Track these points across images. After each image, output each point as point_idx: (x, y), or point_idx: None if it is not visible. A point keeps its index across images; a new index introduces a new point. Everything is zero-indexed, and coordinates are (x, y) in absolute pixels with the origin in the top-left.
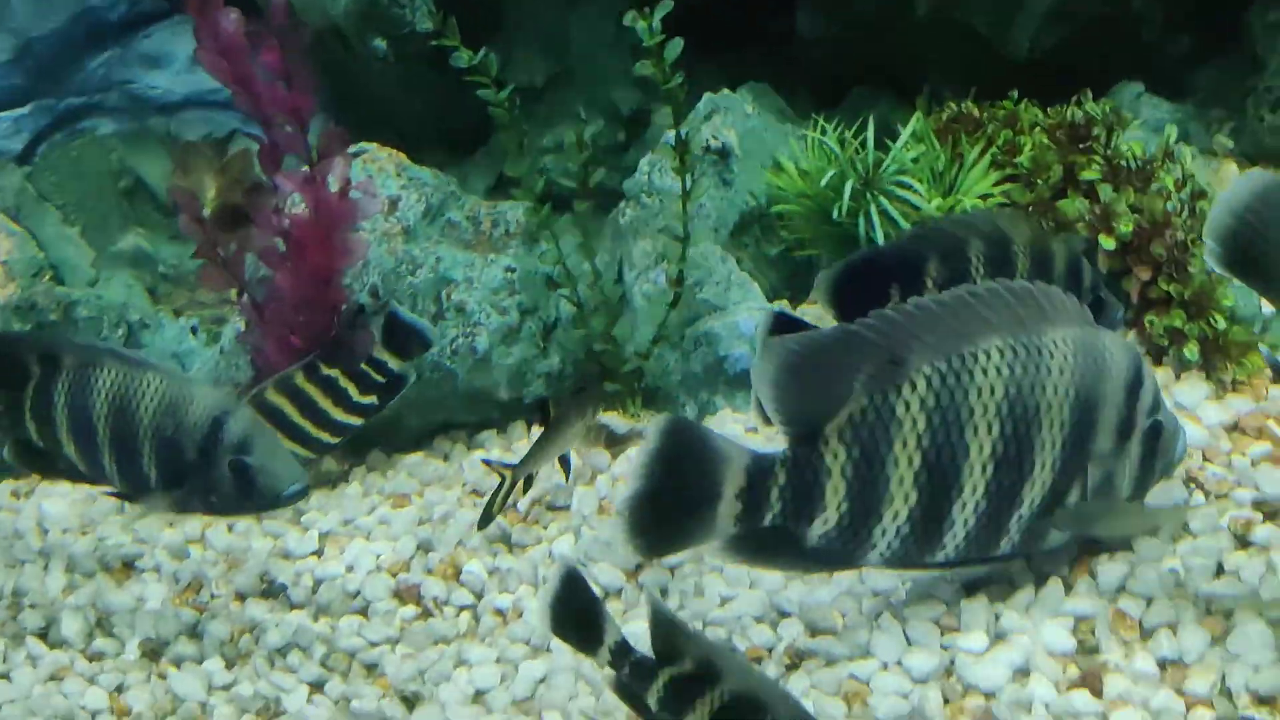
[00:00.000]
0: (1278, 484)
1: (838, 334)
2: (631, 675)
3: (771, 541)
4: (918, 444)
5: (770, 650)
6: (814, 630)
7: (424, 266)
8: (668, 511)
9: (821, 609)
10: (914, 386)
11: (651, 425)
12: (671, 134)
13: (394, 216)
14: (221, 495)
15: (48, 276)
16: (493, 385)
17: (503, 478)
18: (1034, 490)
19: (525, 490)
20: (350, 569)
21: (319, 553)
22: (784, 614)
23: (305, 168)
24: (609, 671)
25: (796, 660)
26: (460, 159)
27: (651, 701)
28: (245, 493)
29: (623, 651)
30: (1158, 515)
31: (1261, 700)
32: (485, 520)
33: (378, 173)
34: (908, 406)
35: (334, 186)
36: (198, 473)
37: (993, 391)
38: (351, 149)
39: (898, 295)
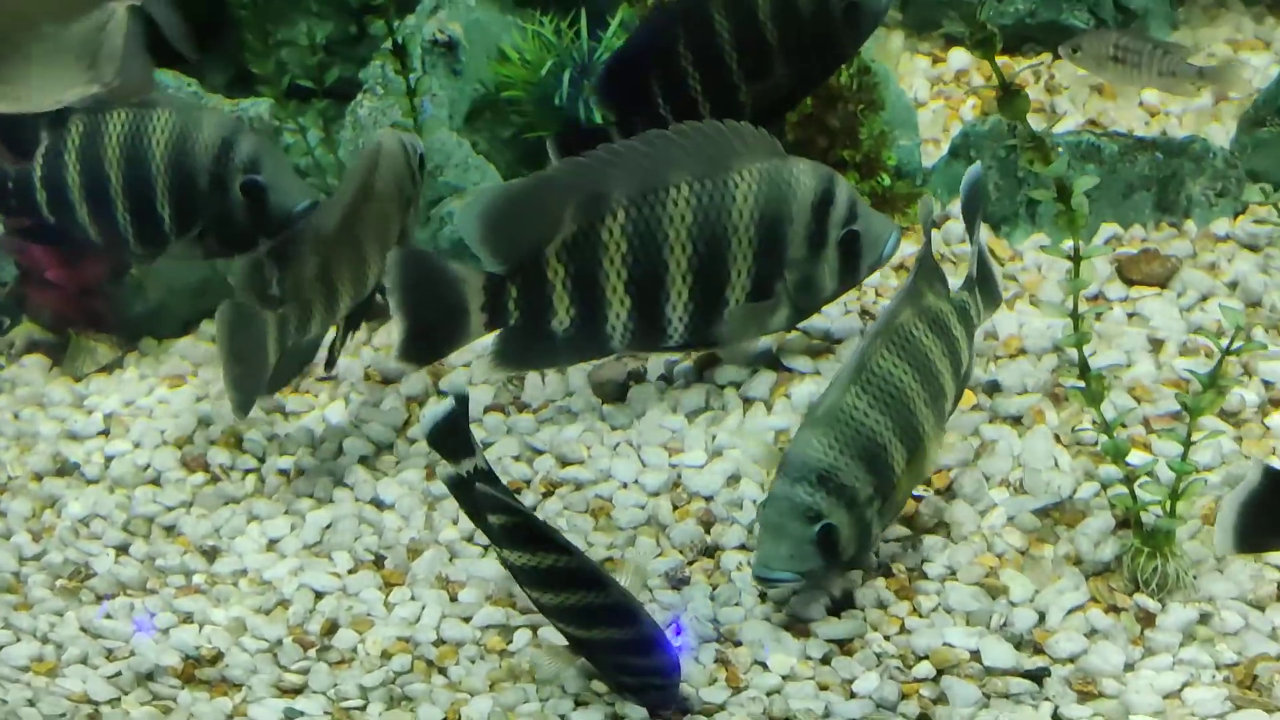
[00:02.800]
0: None
1: (535, 181)
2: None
3: (527, 344)
4: (623, 261)
5: (528, 482)
6: (564, 462)
7: None
8: (430, 331)
9: (570, 444)
10: (615, 216)
11: (390, 262)
12: (400, 32)
13: None
14: (236, 222)
15: None
16: None
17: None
18: (735, 292)
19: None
20: (138, 445)
21: (106, 432)
22: (538, 451)
23: None
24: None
25: (551, 488)
26: (202, 53)
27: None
28: (259, 215)
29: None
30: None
31: None
32: (331, 362)
33: None
34: (610, 233)
35: None
36: (211, 203)
37: (683, 219)
38: None
39: (658, 84)
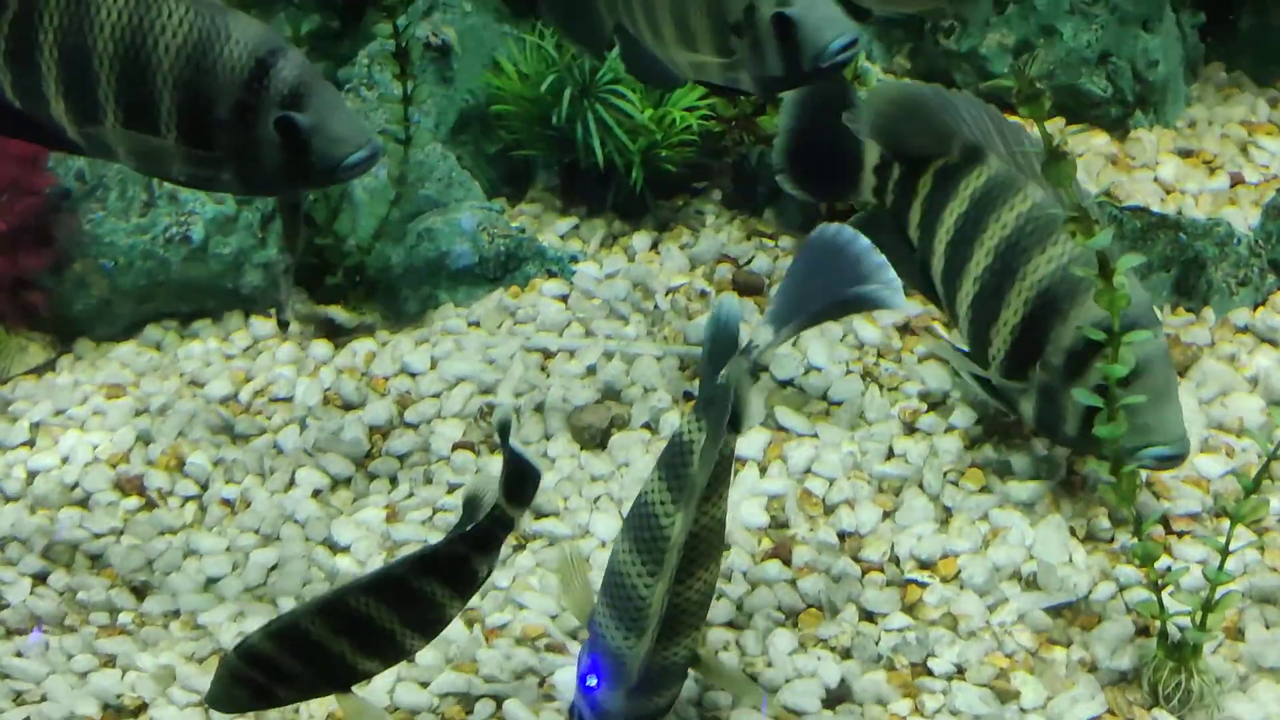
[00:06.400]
0: (940, 379)
1: (946, 98)
2: None
3: (887, 234)
4: (953, 223)
5: None
6: (539, 514)
7: None
8: (818, 165)
9: (545, 494)
10: (978, 176)
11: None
12: (389, 34)
13: None
14: (263, 164)
15: None
16: (209, 274)
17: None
18: (1000, 334)
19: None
20: (66, 460)
21: (30, 444)
22: None
23: None
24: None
25: (523, 541)
26: None
27: None
28: (294, 161)
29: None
30: None
31: (923, 565)
32: (284, 323)
33: None
34: (966, 186)
35: None
36: (233, 134)
37: (1003, 226)
38: None
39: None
